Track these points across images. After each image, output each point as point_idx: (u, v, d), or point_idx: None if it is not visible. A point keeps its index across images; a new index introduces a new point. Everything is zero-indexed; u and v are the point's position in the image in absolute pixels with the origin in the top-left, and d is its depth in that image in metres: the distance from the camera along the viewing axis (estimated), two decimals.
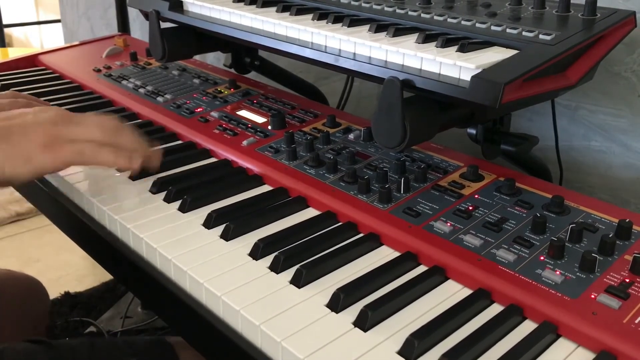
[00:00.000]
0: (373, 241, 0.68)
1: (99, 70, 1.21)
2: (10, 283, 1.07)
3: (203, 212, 0.73)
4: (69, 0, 2.41)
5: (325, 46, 0.79)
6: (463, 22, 0.77)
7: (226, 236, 0.68)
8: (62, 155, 0.68)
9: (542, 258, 0.61)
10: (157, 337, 0.87)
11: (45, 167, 0.67)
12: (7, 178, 0.66)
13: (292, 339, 0.53)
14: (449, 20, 0.78)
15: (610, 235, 0.62)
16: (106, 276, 1.88)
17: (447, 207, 0.70)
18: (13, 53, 2.89)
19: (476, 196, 0.72)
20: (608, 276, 0.58)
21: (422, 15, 0.81)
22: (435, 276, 0.62)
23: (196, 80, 1.13)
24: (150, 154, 0.76)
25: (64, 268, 1.98)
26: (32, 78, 1.22)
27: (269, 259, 0.64)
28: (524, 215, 0.68)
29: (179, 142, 0.93)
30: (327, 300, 0.58)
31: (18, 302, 1.05)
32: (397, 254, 0.66)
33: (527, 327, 0.55)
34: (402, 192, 0.73)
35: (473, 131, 0.81)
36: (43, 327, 1.15)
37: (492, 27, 0.74)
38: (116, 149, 0.71)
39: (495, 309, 0.58)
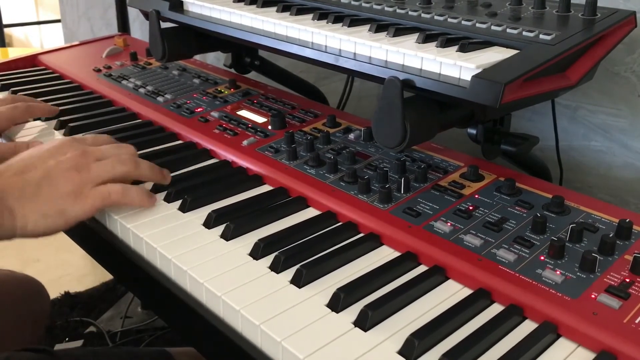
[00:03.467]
0: (373, 241, 0.68)
1: (99, 70, 1.21)
2: (11, 284, 1.07)
3: (203, 212, 0.73)
4: (69, 0, 2.41)
5: (326, 46, 0.79)
6: (463, 22, 0.77)
7: (226, 236, 0.68)
8: (91, 202, 0.69)
9: (542, 258, 0.61)
10: (159, 349, 0.87)
11: (78, 216, 0.69)
12: (42, 233, 0.67)
13: (293, 339, 0.53)
14: (449, 20, 0.78)
15: (610, 235, 0.62)
16: (106, 276, 1.88)
17: (447, 207, 0.70)
18: (13, 53, 2.89)
19: (476, 196, 0.72)
20: (608, 276, 0.58)
21: (423, 15, 0.81)
22: (436, 276, 0.62)
23: (196, 80, 1.13)
24: (165, 176, 0.78)
25: (64, 268, 1.98)
26: (32, 78, 1.22)
27: (269, 259, 0.64)
28: (524, 215, 0.68)
29: (179, 142, 0.93)
30: (327, 300, 0.58)
31: (19, 303, 1.05)
32: (397, 254, 0.66)
33: (527, 327, 0.55)
34: (402, 192, 0.73)
35: (473, 131, 0.81)
36: (42, 328, 1.15)
37: (493, 27, 0.74)
38: (140, 190, 0.73)
39: (495, 308, 0.58)
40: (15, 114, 0.92)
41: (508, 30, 0.73)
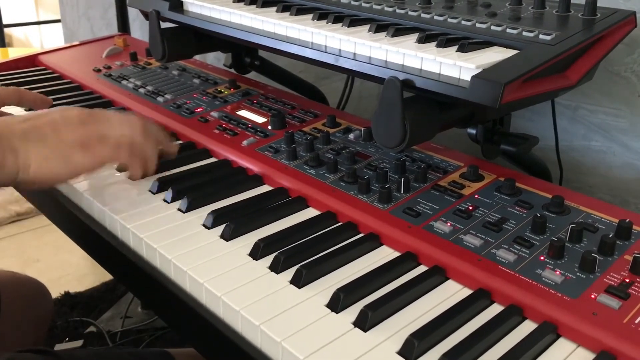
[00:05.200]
0: (373, 241, 0.68)
1: (99, 70, 1.21)
2: (14, 286, 1.06)
3: (203, 212, 0.73)
4: (69, 0, 2.41)
5: (326, 46, 0.79)
6: (463, 22, 0.77)
7: (226, 236, 0.68)
8: (100, 153, 0.69)
9: (542, 258, 0.61)
10: (160, 350, 0.87)
11: (84, 166, 0.68)
12: (45, 180, 0.66)
13: (292, 339, 0.53)
14: (449, 20, 0.78)
15: (610, 235, 0.62)
16: (106, 276, 1.88)
17: (447, 207, 0.70)
18: (13, 53, 2.89)
19: (476, 196, 0.72)
20: (608, 276, 0.58)
21: (422, 15, 0.81)
22: (435, 276, 0.62)
23: (196, 80, 1.13)
24: (172, 147, 0.80)
25: (64, 268, 1.98)
26: (32, 78, 1.22)
27: (269, 259, 0.64)
28: (524, 215, 0.68)
29: (179, 142, 0.93)
30: (327, 300, 0.58)
31: (21, 305, 1.05)
32: (397, 254, 0.66)
33: (527, 327, 0.55)
34: (402, 192, 0.73)
35: (473, 131, 0.81)
36: (45, 330, 1.15)
37: (492, 27, 0.74)
38: (144, 158, 0.74)
39: (495, 309, 0.58)
40: (3, 95, 0.90)
41: (508, 30, 0.73)
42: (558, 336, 0.54)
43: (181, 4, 1.02)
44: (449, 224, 0.66)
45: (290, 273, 0.62)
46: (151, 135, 0.75)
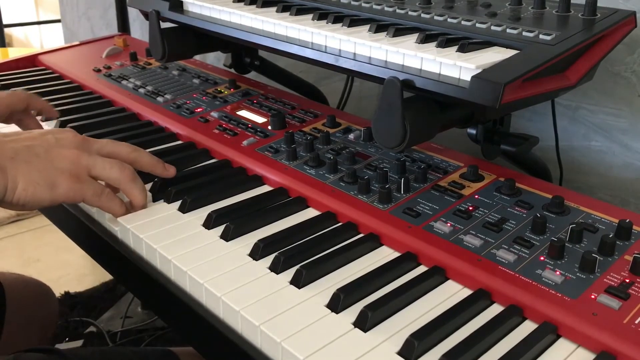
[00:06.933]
0: (373, 241, 0.68)
1: (99, 70, 1.21)
2: (20, 288, 1.06)
3: (203, 213, 0.73)
4: (69, 0, 2.41)
5: (326, 46, 0.79)
6: (463, 22, 0.77)
7: (226, 236, 0.68)
8: (83, 191, 0.68)
9: (542, 258, 0.61)
10: (164, 348, 0.87)
11: (66, 196, 0.68)
12: (27, 203, 0.66)
13: (292, 340, 0.53)
14: (449, 20, 0.78)
15: (610, 236, 0.62)
16: (106, 276, 1.88)
17: (447, 207, 0.70)
18: (13, 53, 2.89)
19: (476, 196, 0.72)
20: (608, 276, 0.58)
21: (422, 15, 0.81)
22: (435, 276, 0.62)
23: (196, 80, 1.13)
24: (167, 172, 0.79)
25: (64, 268, 1.98)
26: (32, 78, 1.22)
27: (269, 259, 0.64)
28: (524, 215, 0.68)
29: (179, 142, 0.93)
30: (327, 300, 0.58)
31: (28, 307, 1.05)
32: (397, 254, 0.66)
33: (527, 327, 0.55)
34: (402, 192, 0.73)
35: (473, 131, 0.81)
36: (51, 332, 1.15)
37: (492, 27, 0.74)
38: (123, 204, 0.73)
39: (495, 309, 0.58)
40: (14, 100, 0.88)
41: (508, 30, 0.73)
42: (558, 336, 0.54)
43: (181, 4, 1.02)
44: (449, 224, 0.66)
45: (290, 273, 0.62)
46: (139, 182, 0.73)
